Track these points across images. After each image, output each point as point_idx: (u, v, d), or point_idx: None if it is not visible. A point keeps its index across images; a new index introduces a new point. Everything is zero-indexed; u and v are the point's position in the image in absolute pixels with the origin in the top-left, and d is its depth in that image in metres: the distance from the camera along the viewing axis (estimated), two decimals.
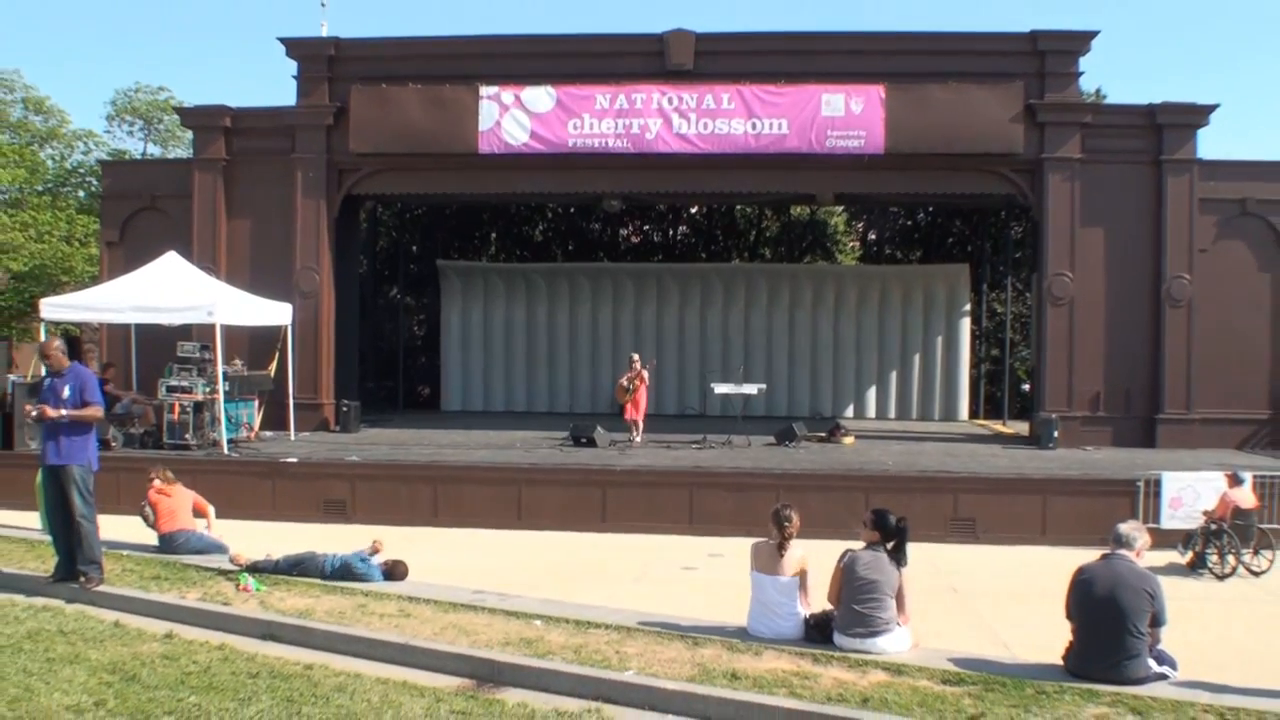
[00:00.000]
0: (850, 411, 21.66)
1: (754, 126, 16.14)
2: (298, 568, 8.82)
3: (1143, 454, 14.88)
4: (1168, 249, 16.05)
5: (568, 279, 22.76)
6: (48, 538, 9.19)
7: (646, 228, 27.20)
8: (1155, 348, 16.10)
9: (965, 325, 21.87)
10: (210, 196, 17.29)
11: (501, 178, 17.24)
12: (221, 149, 17.40)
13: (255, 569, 8.79)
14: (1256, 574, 10.29)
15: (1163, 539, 10.61)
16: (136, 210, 17.86)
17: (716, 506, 12.29)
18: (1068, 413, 15.96)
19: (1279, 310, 16.23)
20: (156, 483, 10.14)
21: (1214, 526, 10.39)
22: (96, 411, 8.47)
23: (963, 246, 24.33)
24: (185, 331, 15.37)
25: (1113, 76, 51.57)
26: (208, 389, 14.12)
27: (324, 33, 17.65)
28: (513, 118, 16.47)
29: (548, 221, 26.82)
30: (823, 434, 16.54)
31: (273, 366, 16.07)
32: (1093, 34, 16.29)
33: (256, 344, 16.25)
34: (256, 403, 15.82)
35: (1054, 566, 8.89)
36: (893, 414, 21.75)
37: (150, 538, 10.00)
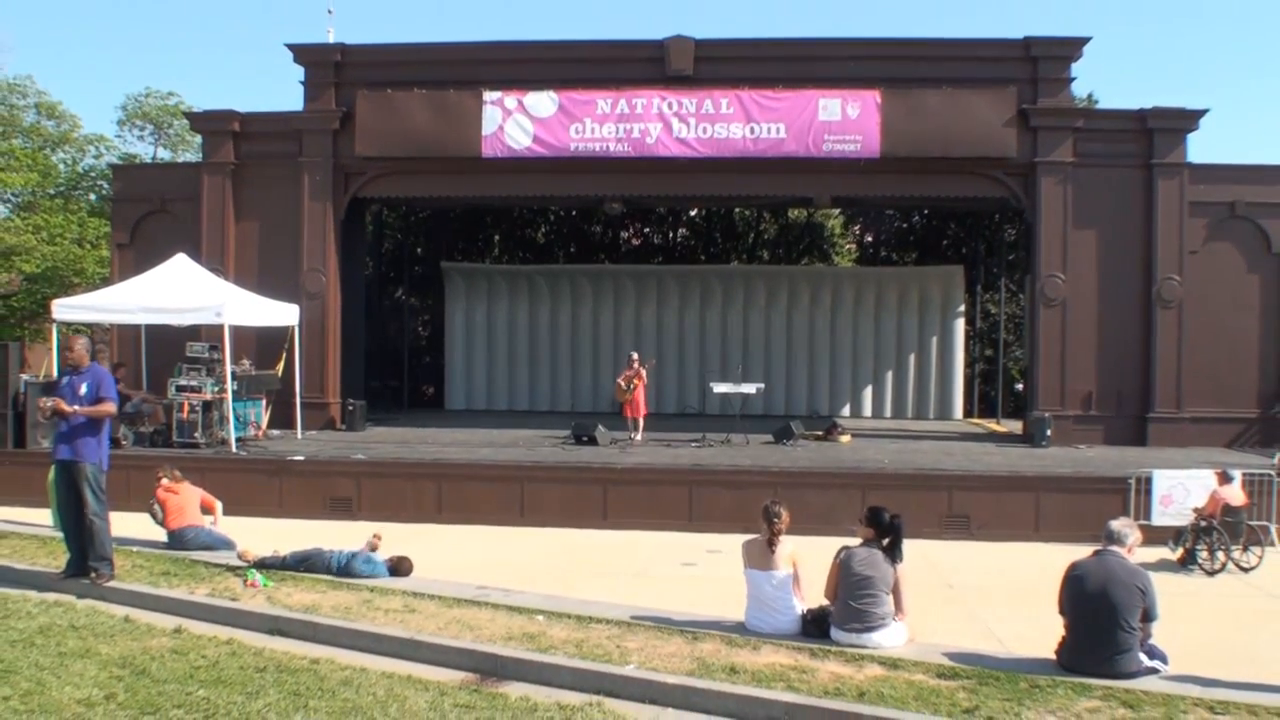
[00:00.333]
0: (847, 410, 21.78)
1: (752, 131, 16.29)
2: (304, 564, 8.88)
3: (1134, 452, 15.01)
4: (1158, 251, 16.18)
5: (569, 280, 22.90)
6: (59, 534, 9.26)
7: (647, 230, 27.32)
8: (1146, 348, 16.22)
9: (960, 326, 22.01)
10: (219, 199, 17.43)
11: (504, 181, 17.39)
12: (230, 153, 17.54)
13: (263, 565, 8.84)
14: (1246, 570, 10.40)
15: (1154, 535, 10.64)
16: (147, 213, 17.98)
17: (716, 504, 12.41)
18: (1060, 412, 16.08)
19: (1268, 310, 16.37)
20: (164, 481, 10.25)
21: (1204, 523, 10.50)
22: (110, 407, 8.55)
23: (957, 248, 24.43)
24: (194, 332, 15.51)
25: (1104, 82, 51.66)
26: (216, 388, 14.26)
27: (330, 39, 17.77)
28: (515, 122, 16.62)
29: (550, 224, 26.95)
30: (820, 433, 16.65)
31: (280, 366, 16.18)
32: (1084, 40, 16.43)
33: (264, 344, 16.38)
34: (264, 402, 15.93)
35: (1047, 563, 9.00)
36: (889, 413, 21.89)
37: (159, 534, 10.07)
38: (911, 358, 21.94)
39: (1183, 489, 11.76)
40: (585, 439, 15.19)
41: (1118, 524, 6.50)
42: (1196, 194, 16.27)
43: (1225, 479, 10.99)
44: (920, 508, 12.05)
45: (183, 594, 8.11)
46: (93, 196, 29.40)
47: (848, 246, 28.38)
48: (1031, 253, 16.83)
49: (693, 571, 10.23)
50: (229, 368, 14.37)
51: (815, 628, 6.96)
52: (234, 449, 13.94)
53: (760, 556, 7.09)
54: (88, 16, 60.87)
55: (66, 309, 14.80)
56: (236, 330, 14.80)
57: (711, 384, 17.16)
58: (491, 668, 6.50)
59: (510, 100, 16.64)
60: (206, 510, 10.39)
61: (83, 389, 8.44)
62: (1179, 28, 62.30)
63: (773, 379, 21.40)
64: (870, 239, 28.10)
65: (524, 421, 19.40)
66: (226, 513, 10.61)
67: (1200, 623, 8.19)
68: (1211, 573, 10.30)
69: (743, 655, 6.50)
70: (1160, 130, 16.26)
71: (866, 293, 22.18)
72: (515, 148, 16.68)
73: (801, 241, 26.75)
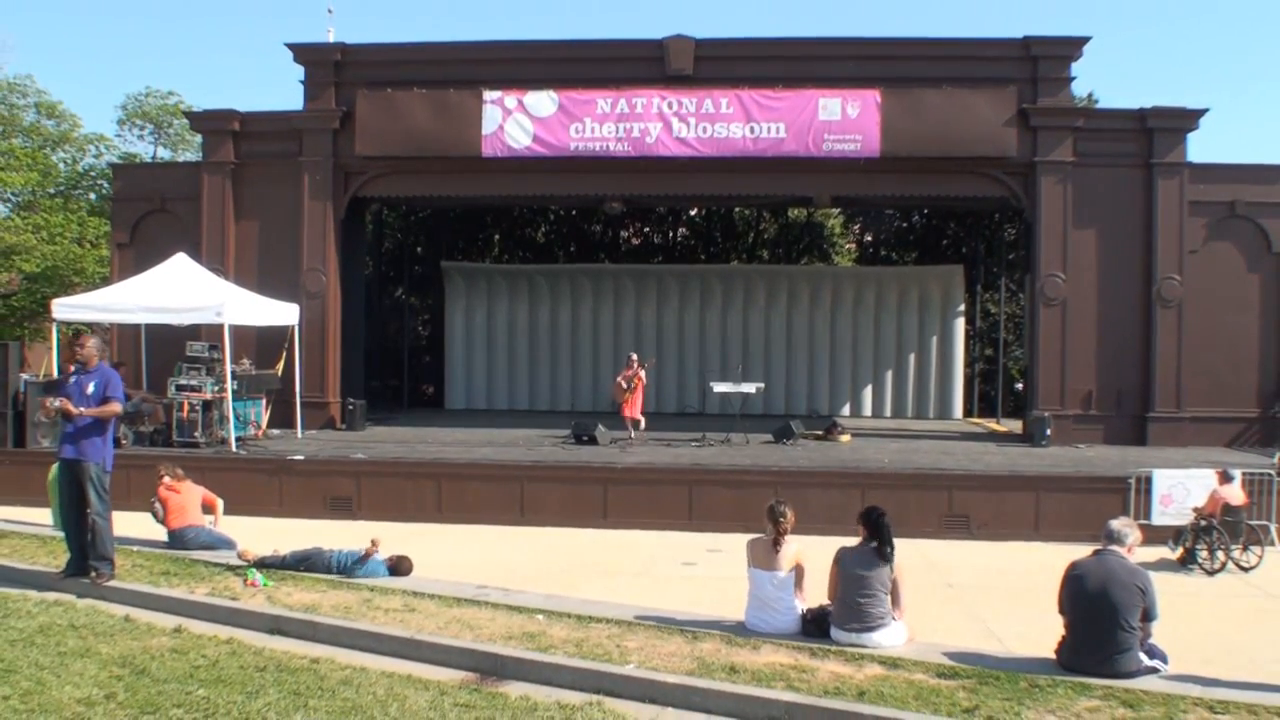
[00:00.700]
0: (847, 410, 21.79)
1: (752, 130, 16.30)
2: (304, 563, 8.89)
3: (1134, 451, 15.02)
4: (1158, 250, 16.19)
5: (569, 280, 22.91)
6: (60, 534, 9.28)
7: (646, 230, 27.33)
8: (1146, 347, 16.23)
9: (959, 325, 22.02)
10: (219, 199, 17.44)
11: (504, 180, 17.39)
12: (230, 152, 17.55)
13: (263, 564, 8.84)
14: (1245, 569, 10.40)
15: (1154, 535, 10.68)
16: (147, 212, 17.99)
17: (715, 503, 12.42)
18: (1060, 411, 16.09)
19: (1267, 310, 16.39)
20: (166, 479, 10.25)
21: (1204, 523, 10.49)
22: (116, 408, 8.57)
23: (957, 248, 24.42)
24: (194, 331, 15.54)
25: (1104, 82, 51.67)
26: (216, 388, 14.27)
27: (330, 39, 17.78)
28: (515, 122, 16.63)
29: (550, 223, 26.96)
30: (820, 432, 16.66)
31: (280, 366, 16.19)
32: (1084, 40, 16.44)
33: (264, 344, 16.39)
34: (264, 401, 15.94)
35: (1047, 562, 9.03)
36: (888, 412, 21.90)
37: (160, 534, 10.09)
38: (911, 357, 21.96)
39: (1183, 488, 11.77)
40: (585, 439, 15.20)
41: (1118, 523, 6.51)
42: (1196, 194, 16.28)
43: (1225, 478, 10.99)
44: (920, 507, 12.10)
45: (183, 593, 8.13)
46: (93, 196, 29.41)
47: (847, 246, 28.40)
48: (1031, 252, 16.83)
49: (693, 571, 10.24)
50: (229, 367, 14.38)
51: (815, 627, 6.98)
52: (234, 448, 13.95)
53: (765, 556, 7.10)
54: (88, 16, 61.00)
55: (66, 308, 14.80)
56: (236, 330, 14.80)
57: (711, 383, 17.17)
58: (491, 667, 6.51)
59: (510, 100, 16.64)
60: (208, 509, 10.40)
61: (90, 388, 8.47)
62: (1179, 28, 62.38)
63: (772, 378, 21.42)
64: (870, 238, 28.11)
65: (524, 421, 19.41)
66: (226, 512, 10.62)
67: (1200, 622, 8.20)
68: (1211, 572, 10.30)
69: (742, 655, 6.51)
70: (1160, 130, 16.27)
71: (866, 292, 22.19)
72: (515, 147, 16.69)
73: (801, 241, 26.77)
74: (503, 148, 16.69)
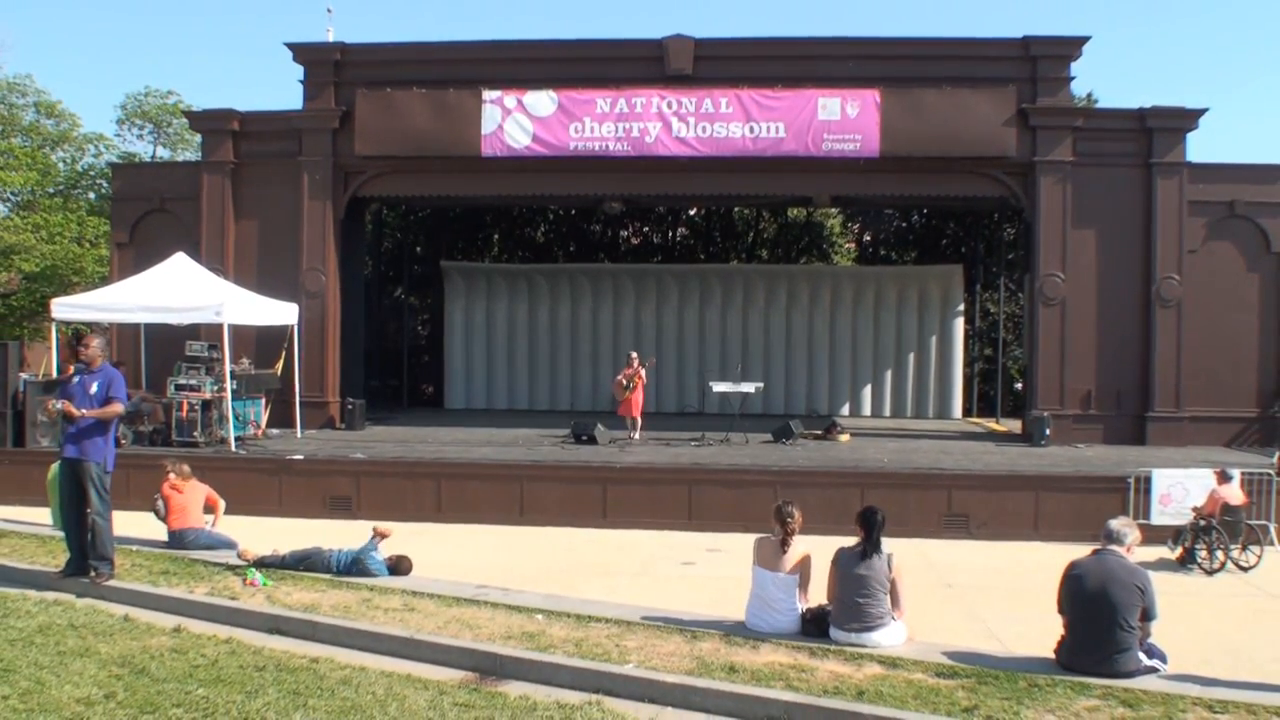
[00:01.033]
0: (846, 409, 21.79)
1: (752, 130, 16.30)
2: (304, 563, 8.89)
3: (1133, 451, 15.02)
4: (1158, 250, 16.19)
5: (569, 279, 22.91)
6: (59, 533, 9.28)
7: (646, 229, 27.33)
8: (1145, 347, 16.23)
9: (959, 325, 22.01)
10: (218, 198, 17.44)
11: (504, 180, 17.39)
12: (229, 152, 17.54)
13: (262, 564, 8.85)
14: (1245, 569, 10.43)
15: (1153, 535, 10.72)
16: (146, 212, 17.98)
17: (715, 502, 12.43)
18: (1060, 411, 16.09)
19: (1267, 310, 16.38)
20: (172, 477, 10.22)
21: (1203, 522, 10.52)
22: (118, 408, 8.57)
23: (956, 248, 24.44)
24: (194, 331, 15.55)
25: (1104, 82, 51.70)
26: (215, 387, 14.28)
27: (330, 39, 17.76)
28: (515, 121, 16.63)
29: (549, 223, 26.97)
30: (819, 432, 16.67)
31: (279, 365, 16.18)
32: (1084, 39, 16.43)
33: (263, 343, 16.40)
34: (263, 401, 15.93)
35: (1046, 562, 9.06)
36: (888, 412, 21.91)
37: (160, 533, 10.08)
38: (911, 357, 21.96)
39: (1182, 488, 11.78)
40: (585, 438, 15.20)
41: (1117, 523, 6.51)
42: (1196, 193, 16.28)
43: (1224, 478, 11.00)
44: (920, 507, 12.11)
45: (182, 593, 8.12)
46: (92, 195, 29.39)
47: (847, 246, 28.40)
48: (1031, 252, 16.83)
49: (692, 570, 10.24)
50: (228, 367, 14.38)
51: (815, 627, 6.99)
52: (233, 448, 13.95)
53: (771, 556, 7.12)
54: (87, 16, 60.93)
55: (66, 308, 14.79)
56: (236, 329, 14.80)
57: (711, 383, 17.16)
58: (491, 667, 6.52)
59: (510, 99, 16.63)
60: (209, 509, 10.38)
61: (93, 388, 8.47)
62: (1178, 27, 62.39)
63: (772, 378, 21.43)
64: (869, 238, 28.11)
65: (524, 421, 19.41)
66: (226, 512, 10.60)
67: (1199, 622, 8.21)
68: (1210, 572, 10.32)
69: (742, 654, 6.52)
70: (1159, 130, 16.26)
71: (866, 292, 22.19)
72: (515, 147, 16.68)
73: (801, 240, 26.76)
74: (502, 147, 16.69)
